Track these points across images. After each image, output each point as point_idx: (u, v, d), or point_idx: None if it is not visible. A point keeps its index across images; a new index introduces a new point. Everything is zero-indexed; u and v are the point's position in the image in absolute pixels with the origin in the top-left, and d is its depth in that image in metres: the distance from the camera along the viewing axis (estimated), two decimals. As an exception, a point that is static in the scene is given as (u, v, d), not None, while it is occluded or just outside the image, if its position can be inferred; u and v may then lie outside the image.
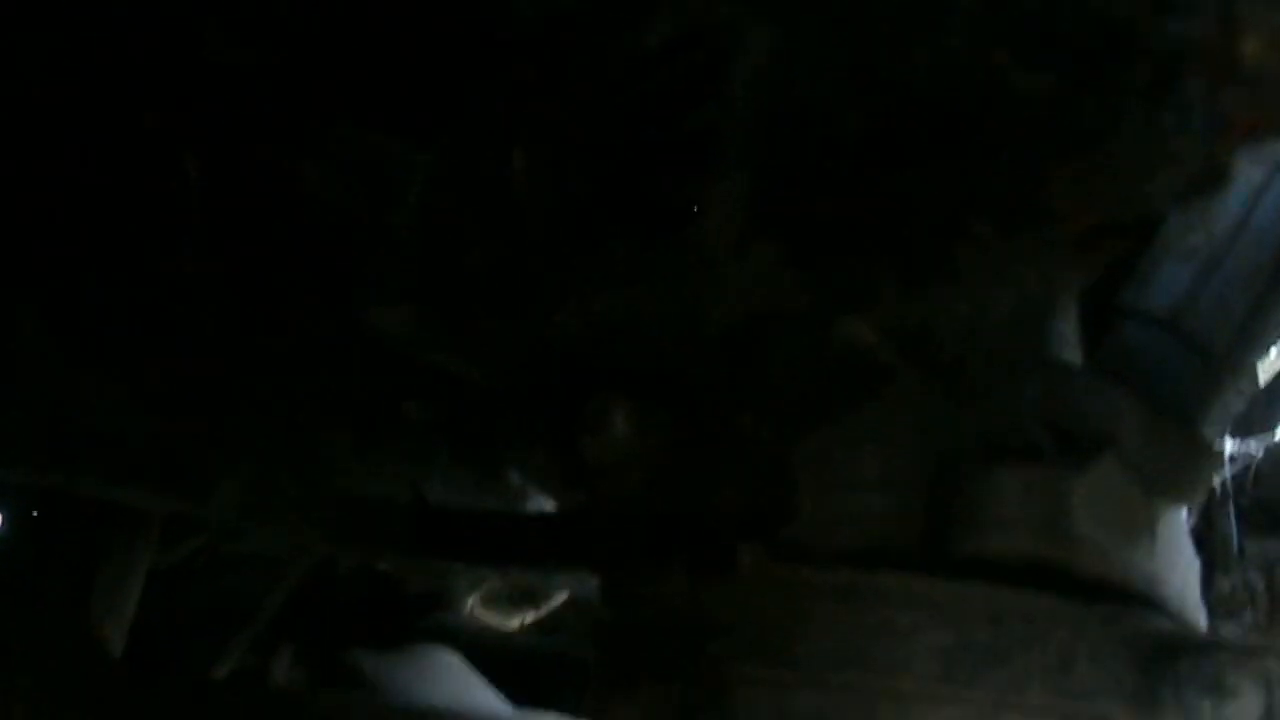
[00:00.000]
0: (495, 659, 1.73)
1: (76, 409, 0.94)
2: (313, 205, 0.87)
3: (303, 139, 0.85)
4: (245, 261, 0.90)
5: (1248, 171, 0.74)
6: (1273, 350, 0.98)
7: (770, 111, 0.59)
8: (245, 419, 0.98)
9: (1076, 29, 0.49)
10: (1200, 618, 0.82)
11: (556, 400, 0.80)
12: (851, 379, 0.73)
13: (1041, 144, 0.51)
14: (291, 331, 0.93)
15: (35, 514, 1.40)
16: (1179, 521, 0.82)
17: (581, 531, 0.94)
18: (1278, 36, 0.50)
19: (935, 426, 0.76)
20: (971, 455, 0.73)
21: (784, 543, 0.74)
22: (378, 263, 0.86)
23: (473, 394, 0.97)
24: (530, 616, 2.01)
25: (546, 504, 1.22)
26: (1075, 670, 0.67)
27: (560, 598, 1.91)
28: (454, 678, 1.54)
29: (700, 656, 0.73)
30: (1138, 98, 0.49)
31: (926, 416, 0.76)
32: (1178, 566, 0.80)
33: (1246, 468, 1.74)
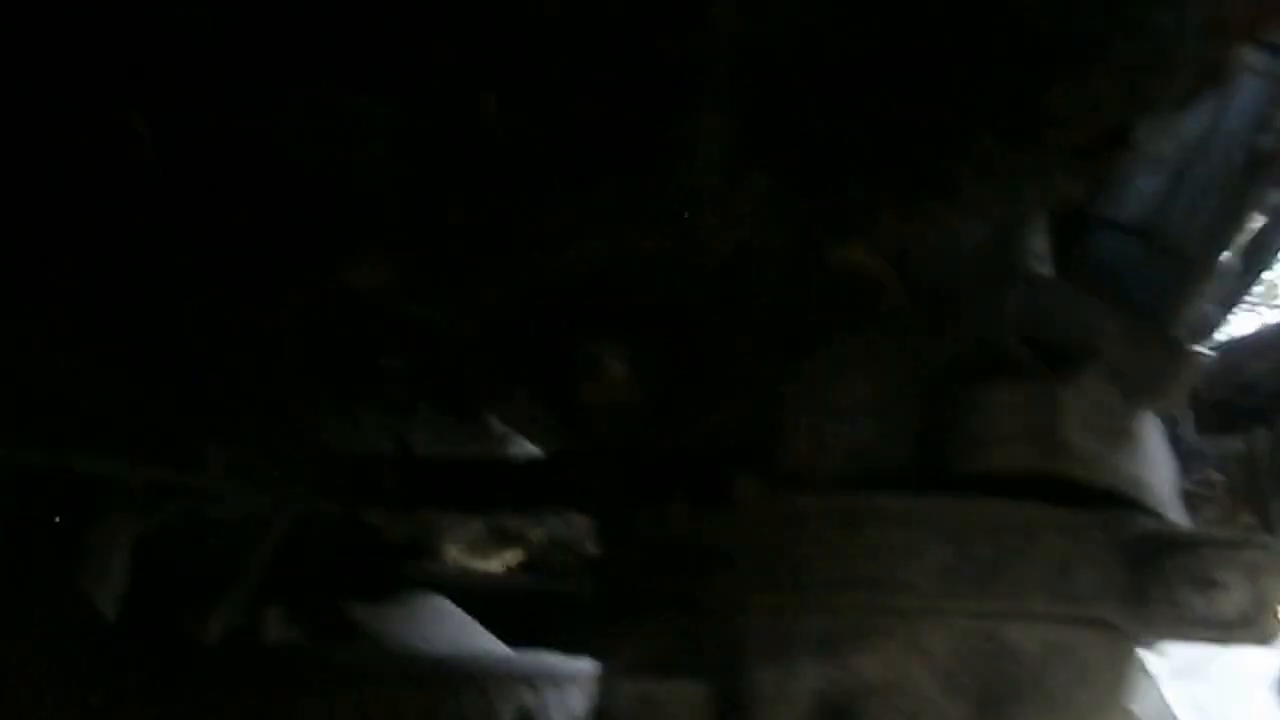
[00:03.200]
0: (481, 601, 1.75)
1: (58, 384, 0.92)
2: (281, 164, 0.85)
3: (264, 97, 0.83)
4: (218, 226, 0.88)
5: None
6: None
7: (756, 38, 0.58)
8: (227, 384, 0.96)
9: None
10: (1181, 514, 0.84)
11: (543, 345, 0.80)
12: (840, 301, 0.73)
13: (1041, 52, 0.51)
14: (267, 293, 0.91)
15: (22, 483, 1.37)
16: (1153, 423, 0.85)
17: (568, 473, 0.94)
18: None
19: (920, 347, 0.77)
20: (959, 374, 0.75)
21: (779, 470, 0.75)
22: (350, 219, 0.85)
23: (450, 343, 0.96)
24: (510, 558, 2.03)
25: (529, 447, 1.22)
26: (1072, 575, 0.69)
27: (538, 538, 1.92)
28: (449, 623, 1.55)
29: (704, 587, 0.74)
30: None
31: (911, 337, 0.77)
32: (1158, 467, 0.82)
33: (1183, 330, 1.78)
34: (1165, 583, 0.71)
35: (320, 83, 0.82)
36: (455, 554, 1.98)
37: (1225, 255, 0.82)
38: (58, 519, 1.34)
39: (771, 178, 0.58)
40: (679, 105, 0.61)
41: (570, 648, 1.34)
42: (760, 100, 0.57)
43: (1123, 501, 0.74)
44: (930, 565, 0.68)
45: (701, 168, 0.59)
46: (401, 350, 1.01)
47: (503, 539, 1.91)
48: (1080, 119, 0.52)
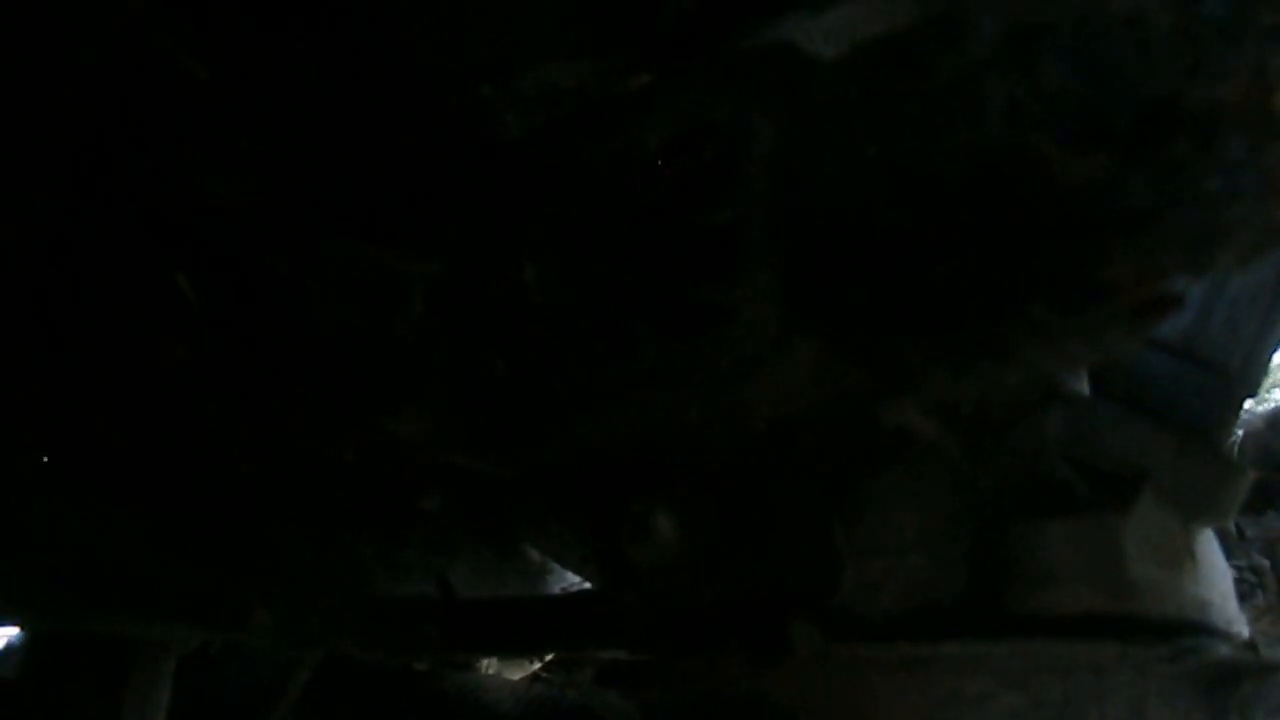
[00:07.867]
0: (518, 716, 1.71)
1: (98, 552, 0.92)
2: (318, 319, 0.86)
3: (300, 255, 0.84)
4: (256, 383, 0.88)
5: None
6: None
7: (795, 205, 0.59)
8: (269, 541, 0.96)
9: (1117, 108, 0.49)
10: (1243, 627, 0.82)
11: (591, 496, 0.79)
12: (883, 443, 0.73)
13: (1093, 225, 0.51)
14: (307, 446, 0.91)
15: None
16: (1210, 536, 0.83)
17: (615, 614, 0.93)
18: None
19: (967, 478, 0.76)
20: (1010, 505, 0.74)
21: (833, 614, 0.74)
22: (389, 371, 0.85)
23: (490, 482, 0.96)
24: (543, 660, 2.00)
25: (570, 577, 1.21)
26: (1147, 712, 0.67)
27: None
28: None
29: (766, 740, 0.73)
30: (1184, 168, 0.49)
31: (957, 468, 0.76)
32: (1217, 582, 0.81)
33: (1230, 446, 1.75)
34: (1240, 710, 0.70)
35: (355, 243, 0.84)
36: (493, 665, 1.95)
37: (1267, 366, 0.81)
38: (98, 661, 1.33)
39: (820, 343, 0.58)
40: (718, 272, 0.61)
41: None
42: (805, 267, 0.57)
43: (1189, 628, 0.73)
44: (1001, 712, 0.67)
45: (747, 334, 0.60)
46: (440, 490, 1.01)
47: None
48: (1135, 286, 0.53)
